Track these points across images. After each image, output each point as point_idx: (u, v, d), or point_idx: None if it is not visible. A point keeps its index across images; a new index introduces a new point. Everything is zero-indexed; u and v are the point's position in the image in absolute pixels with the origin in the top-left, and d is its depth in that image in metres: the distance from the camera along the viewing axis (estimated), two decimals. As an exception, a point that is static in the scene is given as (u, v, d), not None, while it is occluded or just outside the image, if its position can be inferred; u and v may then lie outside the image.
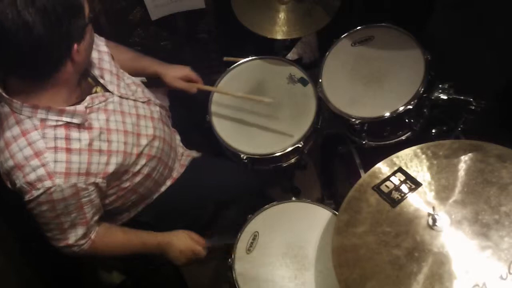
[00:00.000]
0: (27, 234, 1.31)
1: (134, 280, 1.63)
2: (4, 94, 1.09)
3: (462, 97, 1.41)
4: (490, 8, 1.48)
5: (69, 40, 1.05)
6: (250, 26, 1.63)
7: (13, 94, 1.09)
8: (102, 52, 1.33)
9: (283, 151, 1.49)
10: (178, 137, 1.58)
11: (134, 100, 1.33)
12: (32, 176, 1.07)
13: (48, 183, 1.08)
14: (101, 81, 1.27)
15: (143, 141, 1.30)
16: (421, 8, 1.75)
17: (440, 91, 1.43)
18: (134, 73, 1.50)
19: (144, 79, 1.67)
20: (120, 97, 1.29)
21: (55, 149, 1.09)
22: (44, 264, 1.53)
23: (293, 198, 1.47)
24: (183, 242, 1.35)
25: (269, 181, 1.98)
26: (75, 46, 1.06)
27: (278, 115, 1.57)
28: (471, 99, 1.39)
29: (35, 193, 1.09)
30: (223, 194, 1.53)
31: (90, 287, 1.64)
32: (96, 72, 1.27)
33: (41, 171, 1.07)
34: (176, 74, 1.53)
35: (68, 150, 1.11)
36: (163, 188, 1.46)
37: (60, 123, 1.11)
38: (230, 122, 1.58)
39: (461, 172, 1.07)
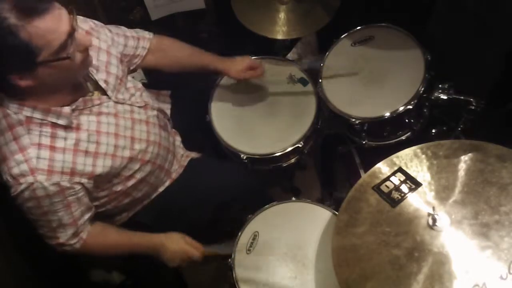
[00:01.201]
0: (26, 234, 1.31)
1: (134, 280, 1.63)
2: None
3: (462, 97, 1.41)
4: (489, 8, 1.48)
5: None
6: (250, 26, 1.63)
7: (7, 92, 1.10)
8: (111, 55, 1.32)
9: (283, 151, 1.49)
10: (178, 139, 1.58)
11: (130, 105, 1.33)
12: (15, 170, 1.09)
13: (30, 179, 1.09)
14: (103, 85, 1.27)
15: (137, 146, 1.30)
16: (421, 8, 1.75)
17: (440, 91, 1.43)
18: (192, 70, 1.51)
19: (144, 79, 1.66)
20: (116, 102, 1.29)
21: (39, 145, 1.11)
22: (44, 264, 1.53)
23: (293, 198, 1.47)
24: (176, 244, 1.34)
25: (269, 181, 1.98)
26: (14, 76, 1.02)
27: (278, 115, 1.57)
28: (471, 99, 1.40)
29: (19, 188, 1.10)
30: (223, 194, 1.52)
31: (90, 287, 1.64)
32: (101, 76, 1.27)
33: (23, 166, 1.09)
34: (239, 67, 1.53)
35: (52, 148, 1.12)
36: (161, 189, 1.46)
37: (45, 122, 1.12)
38: (230, 122, 1.58)
39: (461, 172, 1.07)
